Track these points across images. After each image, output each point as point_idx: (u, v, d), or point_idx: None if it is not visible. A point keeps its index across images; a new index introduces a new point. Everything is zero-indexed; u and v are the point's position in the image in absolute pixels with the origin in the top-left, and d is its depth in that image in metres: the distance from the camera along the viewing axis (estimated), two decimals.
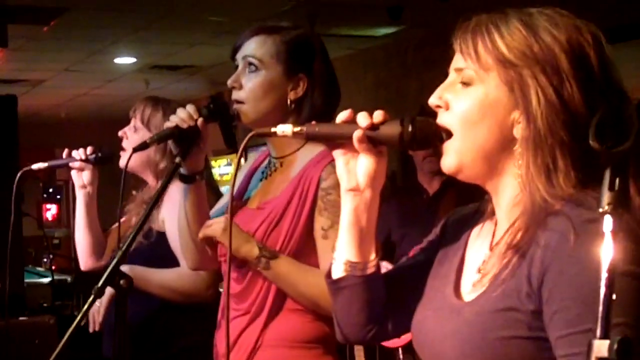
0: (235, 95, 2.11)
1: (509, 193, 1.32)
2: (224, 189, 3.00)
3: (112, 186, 2.77)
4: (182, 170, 2.13)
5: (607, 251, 0.95)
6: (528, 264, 1.22)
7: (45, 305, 6.15)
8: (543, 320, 1.20)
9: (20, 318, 4.29)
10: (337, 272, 1.45)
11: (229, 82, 2.12)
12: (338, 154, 1.41)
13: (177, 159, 2.09)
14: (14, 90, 7.52)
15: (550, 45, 1.27)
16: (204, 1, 6.00)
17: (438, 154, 1.36)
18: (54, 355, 1.73)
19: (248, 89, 2.10)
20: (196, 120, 2.06)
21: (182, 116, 2.06)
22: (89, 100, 10.48)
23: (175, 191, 2.40)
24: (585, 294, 1.15)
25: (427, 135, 1.33)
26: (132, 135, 2.92)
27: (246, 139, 1.41)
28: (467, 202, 1.49)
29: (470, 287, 1.34)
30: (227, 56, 2.21)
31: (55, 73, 8.67)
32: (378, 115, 1.35)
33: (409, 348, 3.49)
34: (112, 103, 10.36)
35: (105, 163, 2.91)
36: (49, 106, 10.72)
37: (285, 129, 1.39)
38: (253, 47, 2.11)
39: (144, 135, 2.81)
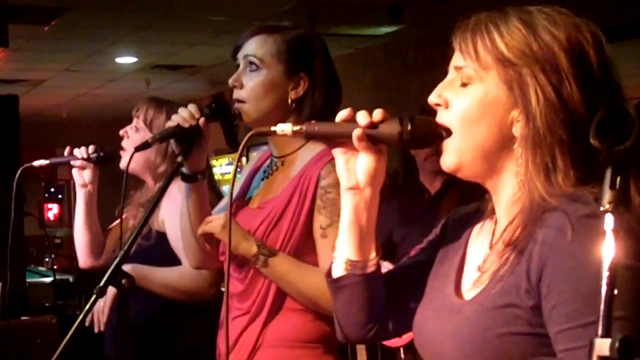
0: (237, 94, 2.12)
1: (508, 191, 1.33)
2: (226, 188, 3.01)
3: (112, 186, 2.78)
4: (184, 169, 2.14)
5: (608, 250, 0.95)
6: (526, 261, 1.22)
7: (47, 305, 6.15)
8: (542, 316, 1.20)
9: (22, 318, 4.28)
10: (338, 271, 1.45)
11: (230, 81, 2.12)
12: (338, 153, 1.41)
13: (179, 158, 2.09)
14: (15, 90, 7.52)
15: (549, 44, 1.28)
16: (205, 1, 6.00)
17: (439, 154, 1.37)
18: (56, 355, 1.73)
19: (249, 88, 2.10)
20: (198, 120, 2.07)
21: (184, 115, 2.07)
22: (90, 100, 10.48)
23: (176, 190, 2.41)
24: (584, 288, 1.15)
25: (427, 134, 1.34)
26: (133, 134, 2.92)
27: (246, 138, 1.42)
28: (469, 202, 1.49)
29: (471, 285, 1.34)
30: (228, 56, 2.21)
31: (56, 73, 8.67)
32: (377, 113, 1.36)
33: (410, 348, 3.50)
34: (113, 103, 10.36)
35: (106, 163, 2.91)
36: (50, 106, 10.72)
37: (284, 128, 1.39)
38: (254, 47, 2.11)
39: (145, 135, 2.81)
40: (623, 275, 0.96)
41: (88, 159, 2.88)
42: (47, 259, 8.59)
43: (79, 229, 3.01)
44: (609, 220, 0.95)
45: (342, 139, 1.39)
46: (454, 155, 1.33)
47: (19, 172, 2.77)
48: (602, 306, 0.94)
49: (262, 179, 2.22)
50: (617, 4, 5.41)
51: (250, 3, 6.03)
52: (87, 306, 1.82)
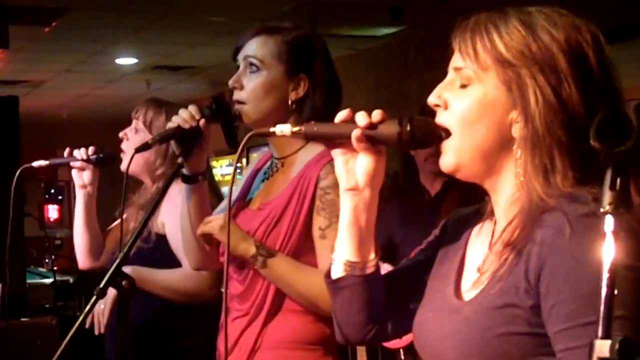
0: (237, 95, 2.12)
1: (507, 192, 1.32)
2: (226, 189, 3.01)
3: (112, 187, 2.77)
4: (184, 170, 2.14)
5: (608, 251, 0.95)
6: (525, 261, 1.22)
7: (47, 306, 6.15)
8: (542, 316, 1.20)
9: (22, 319, 4.28)
10: (337, 272, 1.45)
11: (230, 82, 2.12)
12: (337, 154, 1.41)
13: (180, 160, 2.09)
14: (16, 91, 7.52)
15: (548, 44, 1.28)
16: (205, 2, 6.00)
17: (440, 155, 1.36)
18: (56, 356, 1.73)
19: (249, 89, 2.10)
20: (198, 121, 2.07)
21: (184, 117, 2.07)
22: (91, 101, 10.48)
23: (176, 192, 2.41)
24: (583, 288, 1.15)
25: (426, 135, 1.33)
26: (132, 136, 2.92)
27: (245, 138, 1.42)
28: (469, 203, 1.49)
29: (470, 286, 1.34)
30: (228, 57, 2.21)
31: (56, 74, 8.67)
32: (376, 114, 1.35)
33: (410, 349, 3.49)
34: (113, 104, 10.36)
35: (106, 164, 2.91)
36: (51, 107, 10.72)
37: (283, 128, 1.39)
38: (254, 48, 2.11)
39: (144, 137, 2.80)
40: (624, 276, 0.96)
41: (88, 160, 2.89)
42: (47, 260, 8.59)
43: (79, 230, 3.01)
44: (609, 222, 0.95)
45: (341, 140, 1.39)
46: (453, 156, 1.33)
47: (18, 172, 2.77)
48: (602, 307, 0.94)
49: (263, 180, 2.22)
50: (617, 4, 5.40)
51: (250, 4, 6.03)
52: (87, 307, 1.82)
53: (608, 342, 0.92)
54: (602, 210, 0.95)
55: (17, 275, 4.85)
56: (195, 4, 6.04)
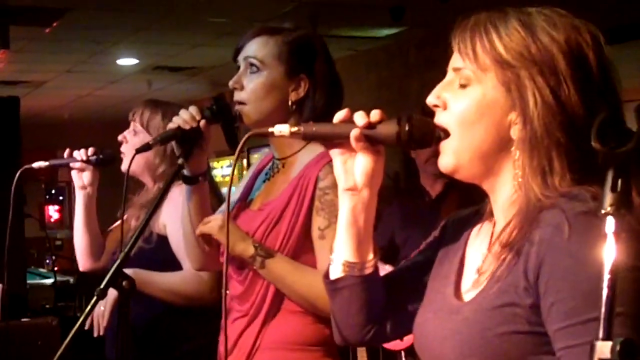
0: (237, 96, 2.12)
1: (506, 192, 1.32)
2: (226, 190, 3.00)
3: (112, 188, 2.77)
4: (185, 171, 2.14)
5: (610, 252, 0.95)
6: (524, 260, 1.22)
7: (47, 306, 6.16)
8: (541, 315, 1.20)
9: (23, 319, 4.28)
10: (335, 273, 1.44)
11: (231, 83, 2.12)
12: (335, 154, 1.41)
13: (180, 160, 2.09)
14: (16, 91, 7.54)
15: (548, 46, 1.27)
16: (206, 2, 6.00)
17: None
18: (56, 357, 1.73)
19: (250, 89, 2.10)
20: (199, 122, 2.07)
21: (185, 117, 2.07)
22: (92, 102, 10.49)
23: (177, 194, 2.41)
24: (582, 286, 1.15)
25: (425, 134, 1.33)
26: (131, 138, 2.92)
27: (244, 139, 1.42)
28: (470, 205, 1.48)
29: (470, 287, 1.34)
30: (229, 57, 2.21)
31: (57, 74, 8.67)
32: (375, 114, 1.35)
33: (411, 351, 3.49)
34: (114, 104, 10.37)
35: (106, 165, 2.91)
36: (51, 107, 10.73)
37: (282, 128, 1.39)
38: (255, 48, 2.11)
39: (144, 138, 2.80)
40: (626, 276, 0.96)
41: (87, 161, 2.89)
42: (47, 261, 8.60)
43: (79, 231, 3.01)
44: (610, 223, 0.95)
45: (340, 140, 1.38)
46: (452, 157, 1.33)
47: (18, 173, 2.77)
48: (603, 309, 0.94)
49: (264, 181, 2.22)
50: (617, 4, 5.40)
51: (251, 4, 6.03)
52: (88, 308, 1.82)
53: (609, 343, 0.92)
54: (603, 211, 0.95)
55: (18, 275, 4.85)
56: (195, 5, 6.04)
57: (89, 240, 3.01)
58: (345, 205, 1.41)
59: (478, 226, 1.42)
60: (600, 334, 0.93)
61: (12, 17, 6.00)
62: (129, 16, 6.39)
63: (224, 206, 2.33)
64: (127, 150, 2.90)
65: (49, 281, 6.93)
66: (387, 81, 7.71)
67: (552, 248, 1.19)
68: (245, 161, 9.13)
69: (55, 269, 7.98)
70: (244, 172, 2.45)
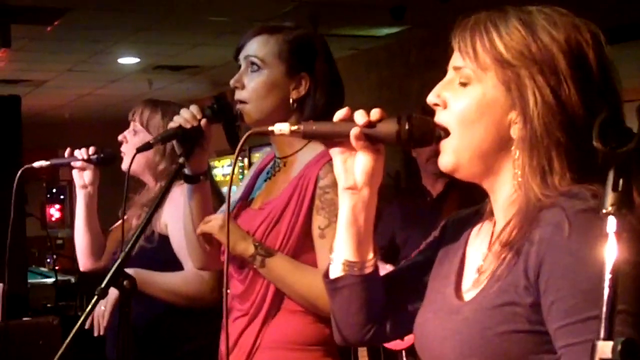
0: (238, 95, 2.12)
1: (506, 192, 1.32)
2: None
3: (113, 187, 2.77)
4: (186, 170, 2.14)
5: (611, 252, 0.94)
6: (524, 259, 1.22)
7: (48, 305, 6.16)
8: (542, 313, 1.20)
9: (24, 319, 4.28)
10: (335, 272, 1.44)
11: (232, 82, 2.12)
12: (335, 153, 1.40)
13: (181, 160, 2.09)
14: (17, 90, 7.54)
15: (548, 45, 1.27)
16: (207, 2, 6.00)
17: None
18: (57, 356, 1.73)
19: (251, 88, 2.10)
20: (199, 121, 2.07)
21: (186, 116, 2.07)
22: (93, 101, 10.50)
23: (178, 194, 2.40)
24: (582, 284, 1.15)
25: (425, 133, 1.33)
26: (131, 138, 2.92)
27: (244, 137, 1.41)
28: (471, 204, 1.48)
29: (470, 286, 1.34)
30: (230, 56, 2.21)
31: (58, 73, 8.68)
32: (375, 113, 1.35)
33: (412, 351, 3.49)
34: (115, 103, 10.37)
35: (107, 164, 2.91)
36: (52, 106, 10.73)
37: (282, 127, 1.38)
38: (255, 47, 2.11)
39: (144, 137, 2.80)
40: (627, 273, 0.96)
41: (88, 160, 2.88)
42: (48, 260, 8.60)
43: (79, 230, 3.01)
44: (611, 223, 0.95)
45: (340, 139, 1.38)
46: (452, 156, 1.33)
47: (19, 173, 2.77)
48: (604, 308, 0.94)
49: (265, 180, 2.22)
50: (617, 4, 5.40)
51: (252, 4, 6.03)
52: (88, 308, 1.82)
53: (610, 343, 0.92)
54: (604, 211, 0.95)
55: (19, 274, 4.84)
56: (196, 4, 6.04)
57: (90, 239, 3.01)
58: (345, 204, 1.41)
59: (478, 226, 1.42)
60: (602, 334, 0.93)
61: (13, 16, 6.01)
62: (129, 16, 6.39)
63: (224, 206, 2.33)
64: (127, 150, 2.90)
65: (50, 280, 6.93)
66: (388, 80, 7.71)
67: (552, 246, 1.19)
68: (246, 160, 9.14)
69: (57, 268, 7.99)
70: (246, 171, 2.44)
